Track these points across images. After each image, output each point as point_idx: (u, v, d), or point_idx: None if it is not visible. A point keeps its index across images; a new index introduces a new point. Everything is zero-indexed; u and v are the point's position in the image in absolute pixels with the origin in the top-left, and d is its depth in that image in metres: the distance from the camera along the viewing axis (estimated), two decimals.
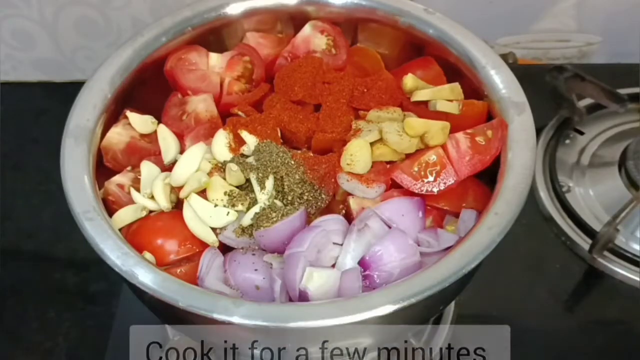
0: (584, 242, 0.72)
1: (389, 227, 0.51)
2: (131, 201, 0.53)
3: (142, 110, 0.58)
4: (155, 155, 0.56)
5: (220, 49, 0.62)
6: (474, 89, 0.57)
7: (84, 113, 0.54)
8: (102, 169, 0.54)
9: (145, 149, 0.56)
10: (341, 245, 0.50)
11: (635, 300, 0.70)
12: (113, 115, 0.56)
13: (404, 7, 0.61)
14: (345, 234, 0.50)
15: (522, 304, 0.70)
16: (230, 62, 0.61)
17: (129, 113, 0.57)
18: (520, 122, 0.53)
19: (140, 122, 0.57)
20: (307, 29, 0.62)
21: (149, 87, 0.59)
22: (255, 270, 0.49)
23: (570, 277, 0.72)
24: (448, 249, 0.48)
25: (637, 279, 0.70)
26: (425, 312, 0.53)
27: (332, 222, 0.51)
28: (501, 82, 0.56)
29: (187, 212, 0.51)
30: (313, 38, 0.62)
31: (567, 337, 0.67)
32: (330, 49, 0.62)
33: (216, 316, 0.43)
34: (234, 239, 0.51)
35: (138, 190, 0.54)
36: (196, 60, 0.60)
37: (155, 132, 0.57)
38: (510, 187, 0.49)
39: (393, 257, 0.49)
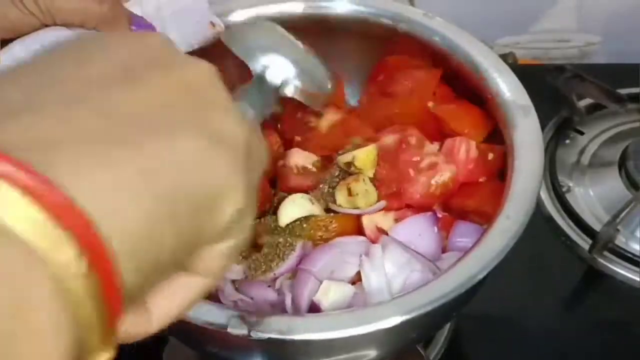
0: (584, 242, 0.72)
1: (409, 248, 0.51)
2: None
3: None
4: None
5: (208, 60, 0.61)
6: (476, 93, 0.57)
7: None
8: None
9: None
10: (357, 265, 0.49)
11: (635, 300, 0.70)
12: None
13: (404, 13, 0.61)
14: (364, 254, 0.49)
15: (522, 304, 0.69)
16: None
17: None
18: (526, 124, 0.53)
19: None
20: None
21: None
22: (268, 286, 0.48)
23: (570, 277, 0.72)
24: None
25: (637, 279, 0.70)
26: (439, 320, 0.53)
27: (352, 245, 0.49)
28: (505, 85, 0.55)
29: None
30: None
31: (567, 337, 0.67)
32: None
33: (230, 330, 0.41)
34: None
35: None
36: None
37: None
38: (520, 190, 0.49)
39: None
